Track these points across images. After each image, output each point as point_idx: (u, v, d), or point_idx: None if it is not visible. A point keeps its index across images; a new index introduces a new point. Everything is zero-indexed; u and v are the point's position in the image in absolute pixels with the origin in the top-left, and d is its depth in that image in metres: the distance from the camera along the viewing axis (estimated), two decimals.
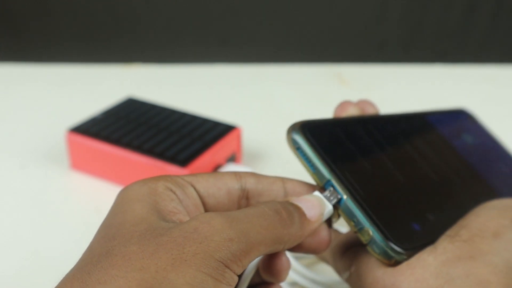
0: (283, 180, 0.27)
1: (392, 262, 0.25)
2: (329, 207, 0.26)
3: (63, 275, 0.37)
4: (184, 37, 0.85)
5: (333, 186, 0.26)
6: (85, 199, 0.45)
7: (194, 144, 0.46)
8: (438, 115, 0.39)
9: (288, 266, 0.25)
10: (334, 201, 0.26)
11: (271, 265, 0.25)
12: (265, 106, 0.63)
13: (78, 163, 0.48)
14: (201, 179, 0.25)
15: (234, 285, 0.21)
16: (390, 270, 0.25)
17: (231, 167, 0.46)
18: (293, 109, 0.63)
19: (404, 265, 0.25)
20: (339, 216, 0.27)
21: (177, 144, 0.46)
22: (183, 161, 0.43)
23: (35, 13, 0.82)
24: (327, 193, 0.26)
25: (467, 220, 0.26)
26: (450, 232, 0.26)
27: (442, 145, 0.35)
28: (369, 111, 0.33)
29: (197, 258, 0.20)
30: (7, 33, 0.83)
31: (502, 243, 0.25)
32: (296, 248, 0.26)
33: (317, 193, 0.27)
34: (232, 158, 0.48)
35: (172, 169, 0.43)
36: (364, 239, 0.26)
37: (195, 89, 0.68)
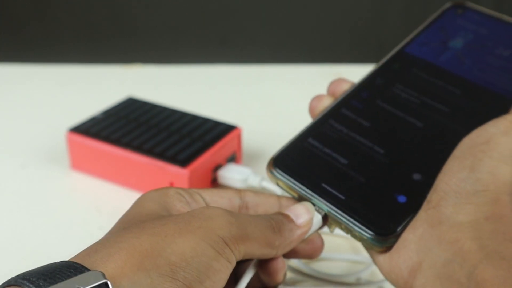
0: (278, 196, 0.30)
1: (385, 248, 0.27)
2: (318, 217, 0.28)
3: None
4: (184, 38, 0.85)
5: (315, 204, 0.29)
6: (85, 199, 0.46)
7: (194, 144, 0.46)
8: (419, 37, 0.36)
9: (284, 266, 0.27)
10: (322, 214, 0.28)
11: (268, 265, 0.27)
12: (265, 106, 0.64)
13: (78, 163, 0.48)
14: (206, 190, 0.29)
15: (233, 264, 0.24)
16: (387, 256, 0.27)
17: (231, 168, 0.47)
18: (293, 109, 0.63)
19: (393, 250, 0.26)
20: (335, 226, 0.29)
21: (177, 144, 0.46)
22: (183, 161, 0.43)
23: (37, 14, 0.82)
24: (316, 208, 0.29)
25: (438, 180, 0.27)
26: (428, 196, 0.27)
27: (426, 75, 0.33)
28: (344, 88, 0.34)
29: (201, 231, 0.23)
30: (10, 34, 0.83)
31: (462, 198, 0.25)
32: (293, 254, 0.28)
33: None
34: (232, 158, 0.48)
35: (172, 169, 0.43)
36: (356, 239, 0.28)
37: (195, 90, 0.68)
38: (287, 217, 0.27)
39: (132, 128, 0.48)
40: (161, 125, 0.48)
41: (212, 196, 0.29)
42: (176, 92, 0.66)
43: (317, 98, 0.34)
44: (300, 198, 0.30)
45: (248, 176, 0.45)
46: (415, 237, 0.25)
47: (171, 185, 0.44)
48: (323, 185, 0.29)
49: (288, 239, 0.27)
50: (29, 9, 0.82)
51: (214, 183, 0.47)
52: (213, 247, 0.23)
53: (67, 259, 0.40)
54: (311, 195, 0.29)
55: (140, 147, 0.45)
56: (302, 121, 0.61)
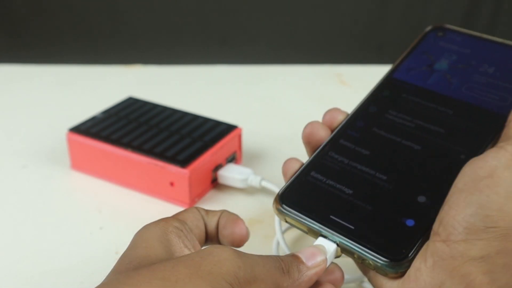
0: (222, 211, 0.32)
1: (399, 274, 0.27)
2: (333, 247, 0.29)
3: (63, 274, 0.37)
4: (184, 38, 0.85)
5: (325, 236, 0.29)
6: (86, 199, 0.46)
7: (194, 144, 0.46)
8: (405, 62, 0.37)
9: None
10: (334, 245, 0.29)
11: None
12: (265, 106, 0.64)
13: (79, 163, 0.48)
14: (187, 218, 0.31)
15: None
16: (400, 282, 0.27)
17: (231, 168, 0.47)
18: (293, 109, 0.63)
19: (406, 277, 0.27)
20: (341, 254, 0.29)
21: (177, 144, 0.46)
22: (183, 161, 0.43)
23: (37, 15, 0.82)
24: (329, 238, 0.29)
25: (443, 213, 0.27)
26: (434, 227, 0.27)
27: (417, 99, 0.34)
28: (339, 118, 0.35)
29: (211, 277, 0.24)
30: (10, 35, 0.83)
31: (473, 234, 0.26)
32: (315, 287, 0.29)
33: (320, 239, 0.29)
34: (233, 158, 0.48)
35: (172, 169, 0.43)
36: (370, 267, 0.28)
37: (196, 90, 0.68)
38: (297, 258, 0.28)
39: (132, 128, 0.48)
40: (161, 125, 0.49)
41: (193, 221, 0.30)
42: (176, 92, 0.66)
43: (312, 127, 0.35)
44: (310, 232, 0.30)
45: (248, 176, 0.45)
46: (426, 268, 0.26)
47: (172, 185, 0.44)
48: (332, 217, 0.29)
49: (297, 281, 0.27)
50: (30, 9, 0.82)
51: (214, 183, 0.47)
52: None
53: (66, 258, 0.40)
54: (321, 228, 0.29)
55: (140, 147, 0.45)
56: (301, 121, 0.61)
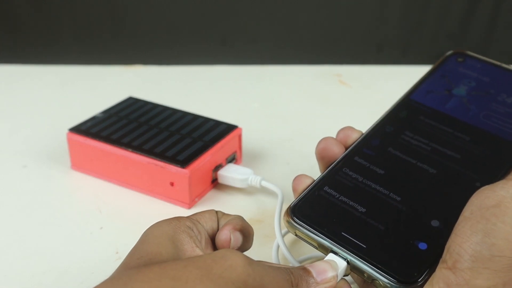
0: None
1: None
2: (343, 264, 0.28)
3: (63, 274, 0.37)
4: (185, 38, 0.85)
5: (336, 253, 0.29)
6: (87, 199, 0.46)
7: (194, 144, 0.46)
8: (424, 84, 0.37)
9: None
10: (345, 262, 0.29)
11: None
12: (265, 106, 0.64)
13: (79, 163, 0.48)
14: (201, 217, 0.31)
15: None
16: None
17: (231, 168, 0.47)
18: (293, 110, 0.63)
19: None
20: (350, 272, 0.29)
21: (177, 144, 0.46)
22: (184, 161, 0.43)
23: (38, 15, 0.83)
24: (339, 255, 0.29)
25: (450, 241, 0.27)
26: (443, 254, 0.27)
27: (434, 123, 0.34)
28: (353, 136, 0.35)
29: (222, 281, 0.24)
30: (11, 35, 0.83)
31: (479, 263, 0.26)
32: None
33: (331, 255, 0.29)
34: (233, 158, 0.48)
35: (172, 169, 0.43)
36: (379, 287, 0.28)
37: (196, 90, 0.68)
38: (308, 272, 0.27)
39: (133, 128, 0.48)
40: (161, 125, 0.49)
41: (207, 222, 0.31)
42: (176, 92, 0.67)
43: (326, 144, 0.34)
44: (320, 247, 0.30)
45: (248, 176, 0.46)
46: None
47: (172, 185, 0.44)
48: (343, 233, 0.29)
49: None
50: (30, 9, 0.82)
51: (214, 183, 0.47)
52: None
53: (67, 258, 0.40)
54: (332, 244, 0.29)
55: (141, 147, 0.45)
56: (301, 121, 0.61)
